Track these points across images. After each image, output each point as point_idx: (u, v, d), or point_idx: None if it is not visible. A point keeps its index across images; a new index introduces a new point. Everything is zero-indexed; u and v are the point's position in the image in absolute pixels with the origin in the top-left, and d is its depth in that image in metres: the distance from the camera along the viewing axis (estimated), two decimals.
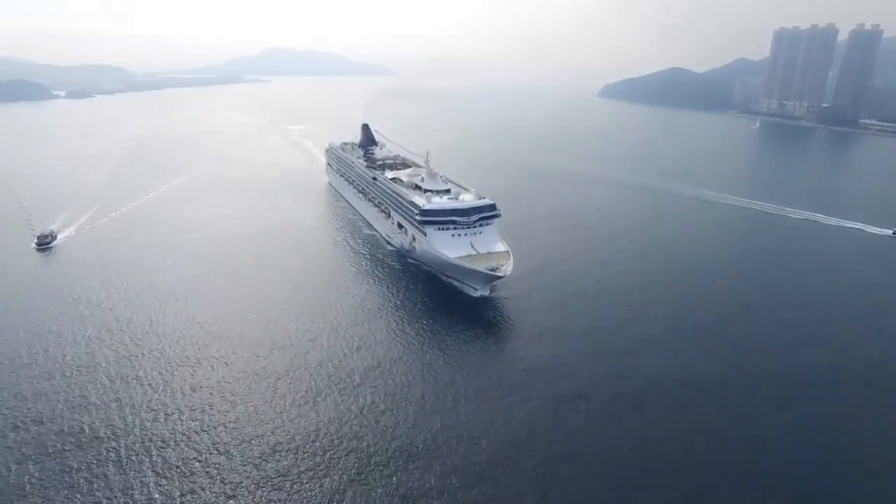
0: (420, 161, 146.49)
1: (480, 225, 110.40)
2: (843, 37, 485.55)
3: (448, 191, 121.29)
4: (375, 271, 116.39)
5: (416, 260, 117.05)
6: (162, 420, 67.25)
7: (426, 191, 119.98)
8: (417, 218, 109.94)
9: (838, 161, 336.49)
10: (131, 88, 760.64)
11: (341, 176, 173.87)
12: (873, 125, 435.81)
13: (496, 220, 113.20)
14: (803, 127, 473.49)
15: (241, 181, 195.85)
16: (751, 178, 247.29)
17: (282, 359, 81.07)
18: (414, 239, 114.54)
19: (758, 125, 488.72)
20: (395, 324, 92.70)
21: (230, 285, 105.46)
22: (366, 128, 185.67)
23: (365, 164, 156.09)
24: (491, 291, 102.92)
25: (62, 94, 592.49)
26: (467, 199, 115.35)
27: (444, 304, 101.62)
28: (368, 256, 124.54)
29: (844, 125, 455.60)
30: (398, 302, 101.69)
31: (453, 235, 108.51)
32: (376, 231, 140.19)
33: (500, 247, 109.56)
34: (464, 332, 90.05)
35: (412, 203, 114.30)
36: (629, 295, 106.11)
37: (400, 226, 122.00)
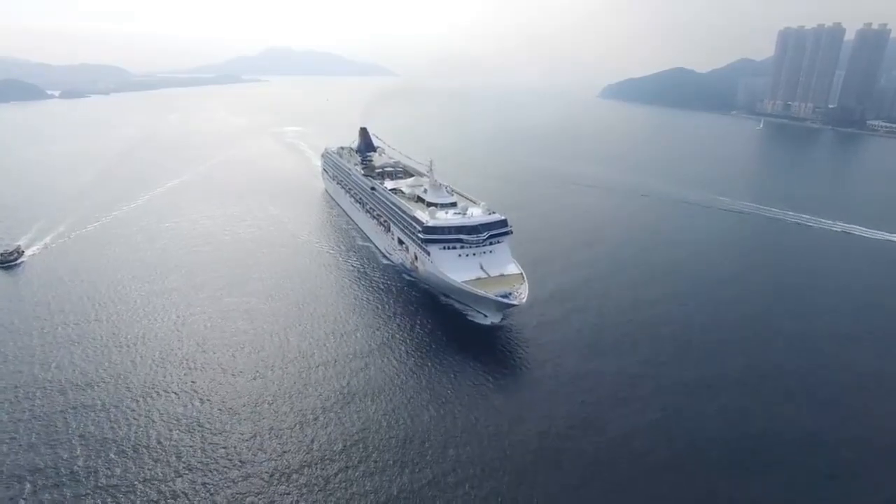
0: (422, 169, 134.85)
1: (491, 243, 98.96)
2: (849, 36, 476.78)
3: (454, 204, 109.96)
4: (372, 290, 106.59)
5: (419, 280, 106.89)
6: (133, 460, 59.57)
7: (430, 204, 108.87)
8: (420, 236, 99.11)
9: (847, 163, 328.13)
10: (127, 88, 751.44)
11: (338, 183, 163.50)
12: (881, 126, 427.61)
13: (508, 238, 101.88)
14: (809, 128, 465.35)
15: (231, 188, 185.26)
16: (784, 185, 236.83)
17: (265, 387, 73.18)
18: (416, 258, 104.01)
19: (762, 126, 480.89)
20: (393, 354, 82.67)
21: (212, 304, 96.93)
22: (364, 132, 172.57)
23: (362, 171, 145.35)
24: (503, 319, 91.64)
25: (56, 93, 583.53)
26: (476, 214, 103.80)
27: (450, 332, 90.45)
28: (364, 273, 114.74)
29: (851, 126, 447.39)
30: (397, 328, 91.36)
31: (460, 255, 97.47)
32: (371, 243, 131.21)
33: (513, 268, 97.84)
34: (471, 368, 79.35)
35: (414, 218, 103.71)
36: (663, 324, 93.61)
37: (401, 242, 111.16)
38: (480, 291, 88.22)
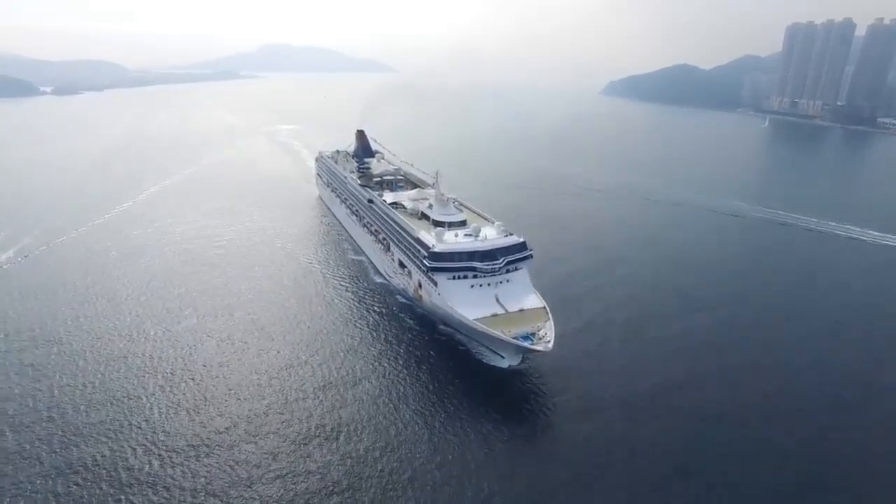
0: (426, 178, 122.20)
1: (508, 270, 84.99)
2: (860, 32, 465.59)
3: (464, 223, 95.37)
4: (364, 315, 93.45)
5: (422, 308, 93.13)
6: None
7: (436, 223, 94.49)
8: (426, 263, 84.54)
9: (858, 163, 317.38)
10: (122, 85, 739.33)
11: (332, 191, 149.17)
12: (893, 125, 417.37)
13: (527, 262, 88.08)
14: (817, 126, 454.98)
15: (218, 195, 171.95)
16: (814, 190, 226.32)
17: (233, 425, 63.30)
18: (420, 286, 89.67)
19: (767, 124, 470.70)
20: (387, 395, 71.35)
21: (181, 335, 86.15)
22: (361, 135, 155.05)
23: (359, 180, 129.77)
24: (522, 361, 77.96)
25: (48, 90, 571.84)
26: (490, 236, 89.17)
27: (457, 372, 77.14)
28: (357, 294, 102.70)
29: (861, 124, 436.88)
30: (393, 362, 78.93)
31: (473, 287, 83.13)
32: (365, 256, 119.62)
33: (535, 300, 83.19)
34: (485, 421, 66.02)
35: (418, 241, 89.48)
36: (719, 373, 78.35)
37: (402, 265, 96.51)
38: (498, 333, 73.54)
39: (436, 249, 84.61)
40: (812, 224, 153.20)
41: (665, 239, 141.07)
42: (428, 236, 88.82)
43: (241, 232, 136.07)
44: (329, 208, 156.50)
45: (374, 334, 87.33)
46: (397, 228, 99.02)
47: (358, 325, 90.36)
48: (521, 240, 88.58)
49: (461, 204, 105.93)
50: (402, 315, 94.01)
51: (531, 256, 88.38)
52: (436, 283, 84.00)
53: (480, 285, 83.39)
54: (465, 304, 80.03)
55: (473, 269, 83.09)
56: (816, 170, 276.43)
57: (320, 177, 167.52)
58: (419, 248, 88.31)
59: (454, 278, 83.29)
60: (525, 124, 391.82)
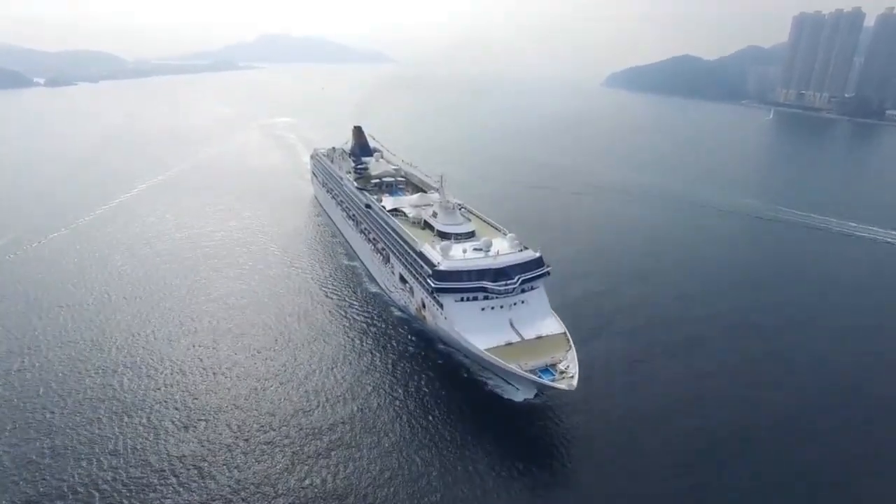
0: (430, 180, 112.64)
1: (523, 290, 75.69)
2: (869, 22, 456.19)
3: (472, 234, 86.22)
4: (360, 333, 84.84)
5: (425, 329, 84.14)
6: None
7: (441, 234, 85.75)
8: (431, 283, 74.90)
9: (868, 157, 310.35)
10: (118, 76, 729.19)
11: (328, 192, 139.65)
12: None
13: (544, 280, 78.80)
14: (823, 119, 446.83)
15: (206, 195, 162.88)
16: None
17: (208, 454, 56.09)
18: (424, 305, 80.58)
19: (772, 116, 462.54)
20: (385, 431, 62.80)
21: (150, 335, 79.95)
22: (358, 131, 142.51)
23: (356, 182, 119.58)
24: (538, 395, 68.90)
25: (41, 81, 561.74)
26: (502, 251, 79.08)
27: (465, 406, 68.25)
28: (353, 306, 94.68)
29: (870, 117, 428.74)
30: (390, 387, 70.91)
31: (484, 310, 73.87)
32: (359, 261, 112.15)
33: (554, 324, 74.00)
34: (497, 466, 58.14)
35: (422, 255, 79.94)
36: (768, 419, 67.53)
37: (403, 280, 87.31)
38: (514, 368, 64.35)
39: (441, 267, 74.87)
40: (832, 225, 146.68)
41: (685, 243, 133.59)
42: (433, 251, 79.26)
43: (230, 232, 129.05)
44: (324, 209, 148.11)
45: (367, 354, 79.45)
46: (398, 240, 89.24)
47: (348, 342, 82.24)
48: (538, 254, 78.89)
49: (468, 211, 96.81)
50: (401, 331, 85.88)
51: (549, 273, 78.78)
52: (441, 306, 74.90)
53: (492, 308, 74.22)
54: (475, 330, 70.99)
55: (484, 289, 73.49)
56: (830, 166, 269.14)
57: (315, 175, 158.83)
58: (423, 264, 78.83)
59: (462, 300, 73.96)
60: (526, 118, 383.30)
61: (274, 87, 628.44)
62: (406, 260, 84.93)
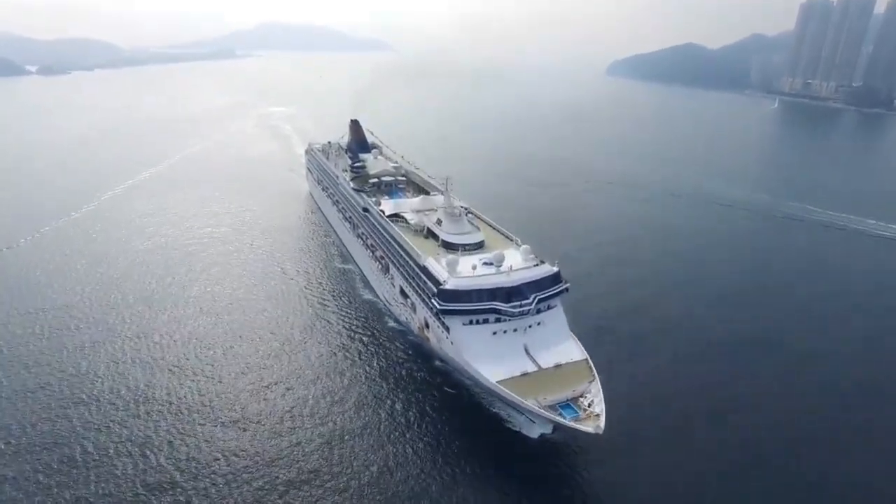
0: (433, 181, 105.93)
1: (539, 310, 67.40)
2: (879, 8, 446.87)
3: (481, 244, 78.46)
4: (353, 346, 78.06)
5: (429, 349, 76.20)
6: None
7: (446, 245, 77.62)
8: (436, 303, 66.76)
9: (884, 149, 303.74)
10: (115, 64, 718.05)
11: (323, 190, 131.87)
12: None
13: (562, 297, 70.48)
14: (829, 108, 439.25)
15: (199, 186, 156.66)
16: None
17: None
18: (427, 325, 72.81)
19: (776, 105, 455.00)
20: (379, 467, 56.10)
21: (119, 339, 74.57)
22: (355, 126, 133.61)
23: (352, 183, 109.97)
24: (556, 430, 59.43)
25: (33, 69, 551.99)
26: (515, 265, 70.46)
27: (472, 440, 60.82)
28: (345, 316, 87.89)
29: (878, 107, 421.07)
30: (390, 419, 63.21)
31: (495, 334, 65.73)
32: (354, 263, 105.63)
33: (574, 350, 65.57)
34: None
35: (425, 271, 71.62)
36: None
37: (404, 294, 79.77)
38: (531, 405, 56.07)
39: (448, 286, 66.60)
40: (850, 222, 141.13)
41: (703, 244, 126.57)
42: (438, 266, 70.53)
43: (217, 229, 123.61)
44: (319, 206, 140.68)
45: (360, 371, 72.55)
46: (399, 250, 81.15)
47: (339, 357, 75.64)
48: (555, 269, 70.74)
49: (475, 216, 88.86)
50: (398, 345, 78.68)
51: (567, 290, 70.79)
52: (447, 329, 66.93)
53: (504, 332, 65.92)
54: (486, 358, 62.78)
55: (496, 311, 65.41)
56: (838, 158, 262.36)
57: (310, 172, 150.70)
58: (426, 280, 70.87)
59: (471, 322, 65.88)
60: (526, 110, 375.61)
61: (271, 77, 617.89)
62: (408, 273, 77.13)
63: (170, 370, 70.71)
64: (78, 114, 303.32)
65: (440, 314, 66.73)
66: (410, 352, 77.17)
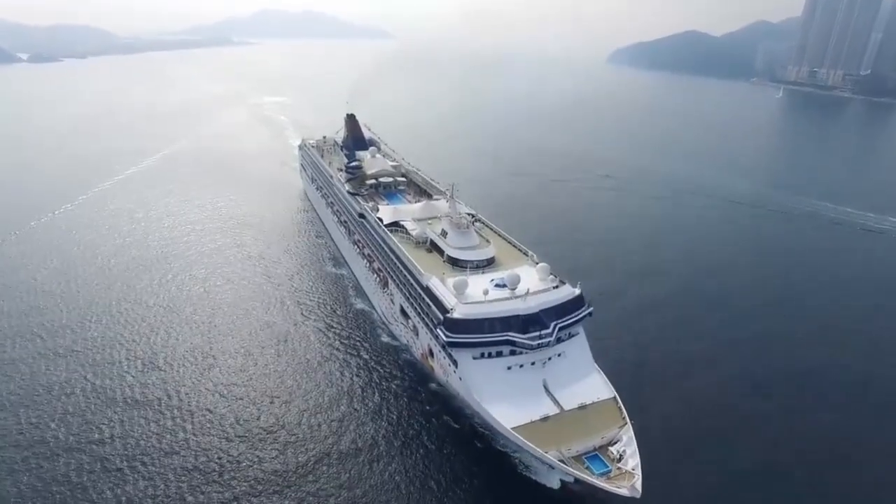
0: (436, 183, 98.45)
1: (560, 340, 58.62)
2: None
3: (492, 261, 69.05)
4: (344, 366, 70.10)
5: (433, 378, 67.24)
6: None
7: (452, 261, 68.69)
8: (442, 335, 57.59)
9: (886, 140, 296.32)
10: (108, 51, 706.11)
11: (317, 189, 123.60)
12: None
13: (584, 324, 61.64)
14: (836, 97, 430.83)
15: (184, 188, 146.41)
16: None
17: None
18: (431, 353, 64.44)
19: (781, 94, 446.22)
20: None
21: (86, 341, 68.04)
22: (352, 121, 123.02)
23: (348, 185, 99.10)
24: (577, 480, 49.08)
25: (24, 57, 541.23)
26: (532, 288, 60.47)
27: (483, 488, 52.90)
28: (335, 329, 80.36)
29: (886, 96, 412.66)
30: (386, 445, 56.92)
31: (510, 368, 57.12)
32: (348, 268, 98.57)
33: (600, 387, 56.91)
34: None
35: (429, 293, 62.89)
36: None
37: (405, 314, 71.29)
38: (553, 457, 47.70)
39: (456, 315, 57.31)
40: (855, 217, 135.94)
41: (737, 252, 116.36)
42: (443, 289, 61.39)
43: (206, 228, 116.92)
44: (313, 205, 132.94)
45: (352, 394, 65.54)
46: (399, 266, 72.44)
47: (326, 376, 68.65)
48: (577, 291, 61.62)
49: (483, 225, 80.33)
50: (396, 363, 71.32)
51: (591, 314, 61.70)
52: (455, 363, 58.57)
53: (521, 366, 57.23)
54: (500, 399, 54.18)
55: (511, 344, 56.52)
56: (846, 151, 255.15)
57: (304, 169, 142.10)
58: (430, 303, 62.06)
59: (482, 356, 57.28)
60: (528, 101, 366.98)
61: (267, 65, 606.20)
62: (409, 293, 68.51)
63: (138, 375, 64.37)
64: (66, 107, 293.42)
65: (449, 346, 57.95)
66: (410, 373, 69.61)
